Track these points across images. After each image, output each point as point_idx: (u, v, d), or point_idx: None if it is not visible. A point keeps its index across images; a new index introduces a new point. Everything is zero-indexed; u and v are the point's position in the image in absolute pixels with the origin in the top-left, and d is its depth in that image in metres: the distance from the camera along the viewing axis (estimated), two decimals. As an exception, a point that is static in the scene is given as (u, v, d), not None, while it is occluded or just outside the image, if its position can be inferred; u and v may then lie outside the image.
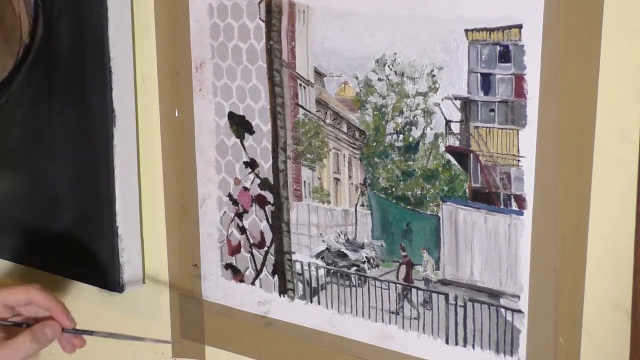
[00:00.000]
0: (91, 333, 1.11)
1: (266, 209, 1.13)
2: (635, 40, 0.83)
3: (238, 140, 1.13)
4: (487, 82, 0.92)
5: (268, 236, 1.14)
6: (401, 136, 1.00)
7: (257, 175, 1.13)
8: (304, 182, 1.09)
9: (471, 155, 0.95)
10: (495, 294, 0.97)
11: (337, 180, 1.07)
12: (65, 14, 1.20)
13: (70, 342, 1.09)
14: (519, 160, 0.92)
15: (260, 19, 1.07)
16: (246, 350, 1.19)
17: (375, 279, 1.05)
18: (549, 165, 0.90)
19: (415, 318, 1.03)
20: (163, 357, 1.28)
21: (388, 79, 0.99)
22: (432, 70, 0.96)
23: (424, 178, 0.99)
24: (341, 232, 1.07)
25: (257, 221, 1.14)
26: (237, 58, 1.11)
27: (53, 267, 1.30)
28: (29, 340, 1.03)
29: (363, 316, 1.07)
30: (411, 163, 1.00)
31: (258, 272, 1.15)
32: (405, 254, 1.03)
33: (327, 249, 1.09)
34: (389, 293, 1.05)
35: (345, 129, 1.04)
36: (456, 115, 0.95)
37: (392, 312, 1.05)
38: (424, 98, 0.97)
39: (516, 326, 0.96)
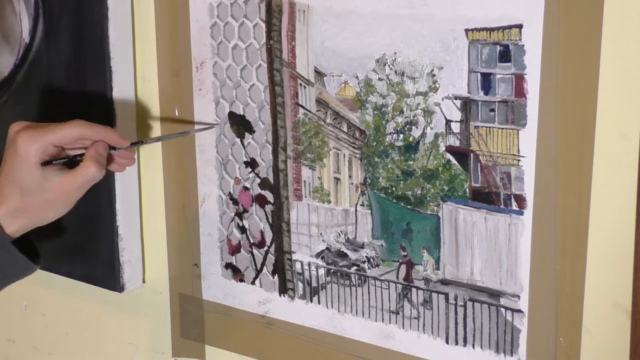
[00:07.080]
0: (141, 143, 1.09)
1: (266, 208, 1.13)
2: (635, 40, 0.83)
3: (238, 140, 1.13)
4: (487, 82, 0.92)
5: (268, 236, 1.14)
6: (401, 136, 1.00)
7: (257, 175, 1.13)
8: (304, 181, 1.09)
9: (471, 155, 0.95)
10: (495, 294, 0.97)
11: (337, 179, 1.06)
12: (65, 14, 1.20)
13: (121, 158, 1.05)
14: (519, 160, 0.92)
15: (260, 18, 1.07)
16: (246, 350, 1.19)
17: (375, 278, 1.05)
18: (549, 165, 0.90)
19: (415, 318, 1.03)
20: (163, 357, 1.28)
21: (388, 79, 0.99)
22: (432, 70, 0.96)
23: (424, 178, 0.99)
24: (341, 231, 1.07)
25: (257, 221, 1.14)
26: (237, 57, 1.11)
27: (53, 267, 1.30)
28: (92, 165, 0.99)
29: (363, 316, 1.07)
30: (411, 163, 1.00)
31: (258, 272, 1.15)
32: (405, 253, 1.03)
33: (327, 248, 1.09)
34: (389, 293, 1.05)
35: (345, 129, 1.04)
36: (456, 115, 0.95)
37: (392, 312, 1.05)
38: (424, 98, 0.97)
39: (516, 326, 0.96)
